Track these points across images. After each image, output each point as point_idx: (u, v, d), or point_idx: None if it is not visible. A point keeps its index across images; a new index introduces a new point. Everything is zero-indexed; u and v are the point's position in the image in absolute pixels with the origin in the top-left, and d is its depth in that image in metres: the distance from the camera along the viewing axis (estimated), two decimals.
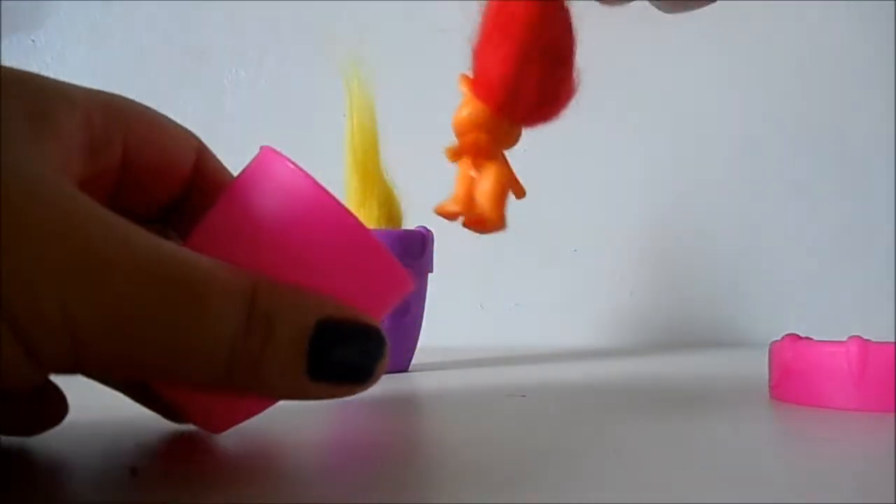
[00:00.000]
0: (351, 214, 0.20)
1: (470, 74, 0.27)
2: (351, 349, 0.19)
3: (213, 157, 0.25)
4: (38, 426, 0.23)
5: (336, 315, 0.19)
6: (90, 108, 0.20)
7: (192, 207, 0.24)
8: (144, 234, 0.17)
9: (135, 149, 0.22)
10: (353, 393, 0.19)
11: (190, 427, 0.25)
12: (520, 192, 0.28)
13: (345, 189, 0.46)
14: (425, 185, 0.53)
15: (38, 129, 0.18)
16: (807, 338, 0.32)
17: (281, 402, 0.22)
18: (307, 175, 0.20)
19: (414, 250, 0.44)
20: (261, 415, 0.23)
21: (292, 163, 0.20)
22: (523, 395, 0.34)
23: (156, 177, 0.23)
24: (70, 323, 0.16)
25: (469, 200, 0.27)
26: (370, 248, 0.21)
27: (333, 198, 0.20)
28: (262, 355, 0.18)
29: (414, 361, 0.47)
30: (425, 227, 0.46)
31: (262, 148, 0.22)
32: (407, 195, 0.47)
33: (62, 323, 0.16)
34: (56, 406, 0.23)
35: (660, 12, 0.28)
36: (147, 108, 0.23)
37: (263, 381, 0.18)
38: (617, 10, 0.28)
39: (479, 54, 0.27)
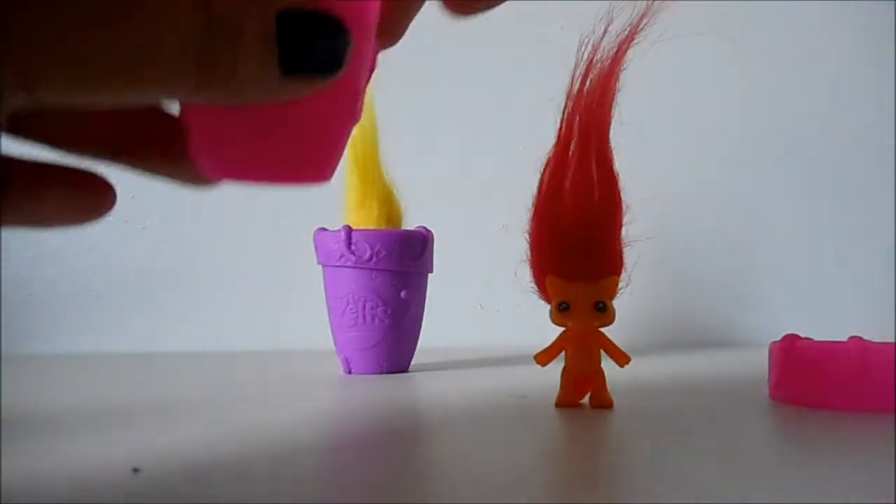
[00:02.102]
0: None
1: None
2: (316, 37, 0.19)
3: None
4: (85, 214, 0.22)
5: (294, 5, 0.19)
6: None
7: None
8: None
9: None
10: (325, 86, 0.19)
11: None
12: (623, 361, 0.31)
13: (345, 189, 0.46)
14: (425, 185, 0.53)
15: None
16: (807, 338, 0.32)
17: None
18: None
19: (414, 250, 0.44)
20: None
21: None
22: (523, 396, 0.34)
23: None
24: (27, 39, 0.15)
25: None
26: None
27: None
28: (236, 60, 0.18)
29: (414, 361, 0.47)
30: (425, 228, 0.46)
31: None
32: (407, 195, 0.47)
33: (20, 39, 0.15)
34: (102, 195, 0.22)
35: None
36: None
37: (241, 86, 0.19)
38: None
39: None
